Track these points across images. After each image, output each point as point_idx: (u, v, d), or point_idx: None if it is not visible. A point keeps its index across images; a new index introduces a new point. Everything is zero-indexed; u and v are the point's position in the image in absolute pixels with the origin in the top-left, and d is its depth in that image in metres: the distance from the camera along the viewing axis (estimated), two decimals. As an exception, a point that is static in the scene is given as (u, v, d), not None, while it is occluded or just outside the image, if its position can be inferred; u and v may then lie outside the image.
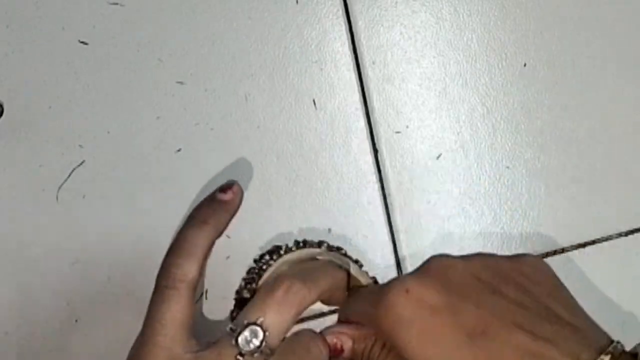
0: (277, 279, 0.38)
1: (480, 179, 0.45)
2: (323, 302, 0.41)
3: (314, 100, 0.45)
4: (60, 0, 0.44)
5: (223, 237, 0.42)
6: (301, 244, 0.43)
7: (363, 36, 0.45)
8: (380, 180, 0.45)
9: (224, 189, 0.41)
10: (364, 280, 0.42)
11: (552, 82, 0.45)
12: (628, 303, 0.45)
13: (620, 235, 0.45)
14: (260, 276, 0.41)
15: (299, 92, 0.45)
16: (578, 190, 0.45)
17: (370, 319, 0.36)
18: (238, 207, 0.41)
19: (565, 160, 0.45)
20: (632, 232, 0.45)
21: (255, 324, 0.36)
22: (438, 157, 0.45)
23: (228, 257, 0.44)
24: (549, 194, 0.45)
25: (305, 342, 0.38)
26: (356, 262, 0.44)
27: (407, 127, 0.45)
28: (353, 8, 0.45)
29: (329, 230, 0.45)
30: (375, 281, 0.44)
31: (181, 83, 0.45)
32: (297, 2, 0.45)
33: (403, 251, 0.45)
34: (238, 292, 0.42)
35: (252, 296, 0.40)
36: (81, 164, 0.45)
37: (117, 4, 0.45)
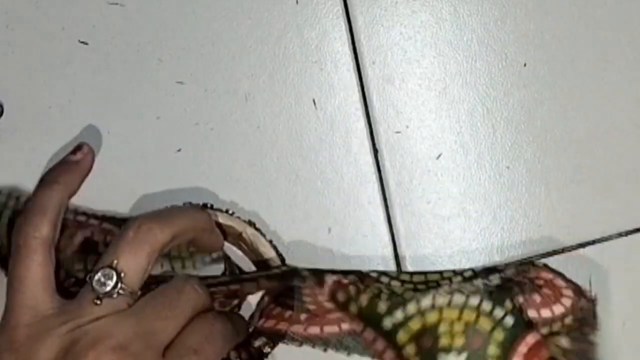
0: (127, 221, 0.38)
1: (480, 179, 0.45)
2: (194, 246, 0.41)
3: (314, 100, 0.45)
4: (60, 0, 0.44)
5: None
6: None
7: (363, 36, 0.45)
8: (380, 180, 0.45)
9: (74, 150, 0.42)
10: (237, 226, 0.43)
11: (552, 82, 0.45)
12: (628, 303, 0.45)
13: (620, 235, 0.45)
14: None
15: (299, 92, 0.45)
16: (578, 190, 0.45)
17: None
18: (89, 167, 0.42)
19: (565, 160, 0.45)
20: (632, 232, 0.45)
21: (109, 267, 0.36)
22: (438, 157, 0.45)
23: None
24: (549, 194, 0.45)
25: (178, 284, 0.38)
26: (226, 211, 0.44)
27: (407, 127, 0.45)
28: (353, 8, 0.45)
29: (329, 230, 0.45)
30: (251, 223, 0.44)
31: (181, 83, 0.45)
32: (297, 2, 0.45)
33: (403, 251, 0.45)
34: None
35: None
36: (81, 164, 0.45)
37: (117, 4, 0.45)
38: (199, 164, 0.45)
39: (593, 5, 0.45)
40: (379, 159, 0.45)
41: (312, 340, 0.40)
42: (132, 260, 0.37)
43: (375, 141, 0.45)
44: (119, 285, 0.36)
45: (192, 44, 0.45)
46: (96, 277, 0.36)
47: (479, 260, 0.45)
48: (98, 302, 0.36)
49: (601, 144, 0.45)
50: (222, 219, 0.43)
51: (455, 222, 0.45)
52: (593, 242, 0.45)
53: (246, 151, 0.45)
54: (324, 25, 0.45)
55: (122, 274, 0.36)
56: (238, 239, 0.43)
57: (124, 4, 0.45)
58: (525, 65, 0.45)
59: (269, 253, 0.43)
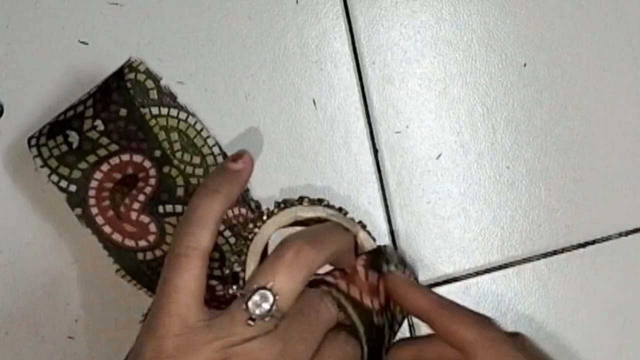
0: (284, 242, 0.38)
1: (480, 179, 0.45)
2: (331, 264, 0.41)
3: (314, 100, 0.45)
4: (60, 0, 0.44)
5: (223, 237, 0.42)
6: (282, 205, 0.43)
7: (363, 36, 0.45)
8: (380, 180, 0.45)
9: (235, 158, 0.40)
10: (352, 228, 0.42)
11: (552, 82, 0.45)
12: (628, 303, 0.45)
13: (620, 235, 0.45)
14: (248, 247, 0.41)
15: (299, 92, 0.45)
16: (578, 190, 0.45)
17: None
18: (249, 176, 0.41)
19: (565, 160, 0.45)
20: (632, 232, 0.45)
21: (265, 288, 0.36)
22: (438, 157, 0.45)
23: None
24: (549, 194, 0.45)
25: (314, 302, 0.38)
26: (339, 210, 0.44)
27: (407, 127, 0.45)
28: (353, 8, 0.45)
29: (329, 230, 0.45)
30: (362, 225, 0.44)
31: (181, 83, 0.45)
32: (297, 2, 0.45)
33: (403, 251, 0.45)
34: (229, 267, 0.42)
35: (243, 269, 0.40)
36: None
37: (117, 4, 0.45)
38: (199, 164, 0.45)
39: (593, 5, 0.45)
40: (379, 159, 0.45)
41: None
42: (289, 284, 0.36)
43: (375, 141, 0.45)
44: (274, 308, 0.35)
45: (192, 44, 0.45)
46: (253, 299, 0.35)
47: (478, 261, 0.45)
48: (251, 323, 0.35)
49: (601, 144, 0.45)
50: (361, 236, 0.43)
51: (455, 222, 0.45)
52: (593, 242, 0.45)
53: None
54: (324, 25, 0.45)
55: (277, 296, 0.36)
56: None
57: (124, 4, 0.45)
58: (525, 65, 0.45)
59: (370, 247, 0.43)
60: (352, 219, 0.44)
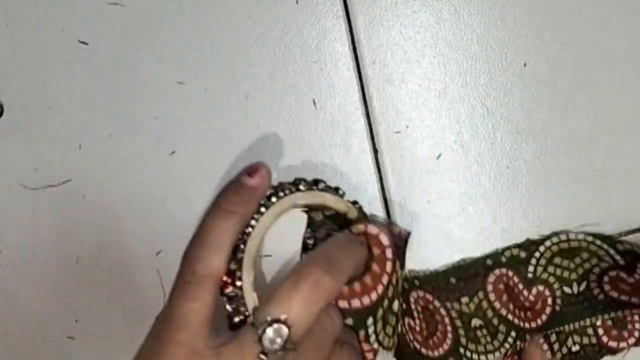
0: (302, 268, 0.35)
1: (480, 179, 0.45)
2: None
3: (314, 100, 0.45)
4: (60, 0, 0.44)
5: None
6: (279, 192, 0.41)
7: (363, 36, 0.45)
8: (380, 180, 0.45)
9: (250, 172, 0.38)
10: (351, 212, 0.42)
11: (552, 82, 0.45)
12: (628, 303, 0.45)
13: (620, 235, 0.45)
14: (245, 242, 0.38)
15: (299, 92, 0.45)
16: (578, 190, 0.45)
17: None
18: (266, 190, 0.38)
19: (565, 160, 0.45)
20: (632, 232, 0.45)
21: (279, 320, 0.34)
22: (438, 157, 0.45)
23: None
24: (549, 194, 0.45)
25: (322, 321, 0.36)
26: (336, 190, 0.43)
27: (407, 127, 0.45)
28: (353, 8, 0.45)
29: (329, 230, 0.45)
30: (362, 212, 0.43)
31: (181, 83, 0.45)
32: (297, 2, 0.45)
33: (403, 251, 0.45)
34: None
35: (239, 267, 0.37)
36: (81, 163, 0.45)
37: (117, 4, 0.45)
38: (199, 164, 0.45)
39: (593, 5, 0.45)
40: (379, 159, 0.45)
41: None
42: (305, 316, 0.34)
43: (375, 141, 0.45)
44: (288, 342, 0.34)
45: (192, 44, 0.45)
46: (267, 334, 0.34)
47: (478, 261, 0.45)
48: (263, 357, 0.34)
49: (601, 144, 0.45)
50: (334, 203, 0.41)
51: (455, 222, 0.45)
52: (593, 242, 0.45)
53: (246, 151, 0.45)
54: (324, 25, 0.45)
55: (292, 328, 0.34)
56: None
57: (124, 4, 0.45)
58: (525, 65, 0.45)
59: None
60: (349, 201, 0.43)
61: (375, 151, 0.45)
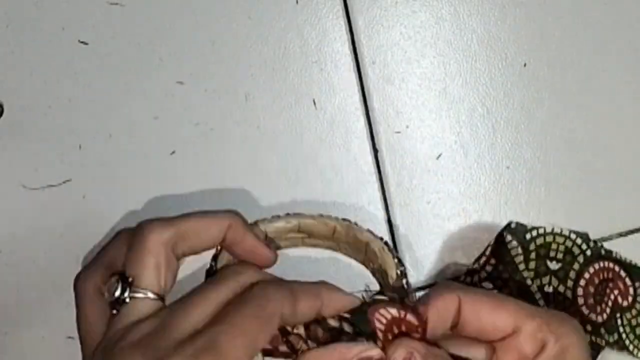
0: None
1: (480, 179, 0.45)
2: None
3: (314, 100, 0.45)
4: (60, 0, 0.44)
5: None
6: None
7: (363, 36, 0.45)
8: (380, 180, 0.45)
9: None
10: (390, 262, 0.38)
11: (552, 82, 0.45)
12: (628, 303, 0.45)
13: (620, 235, 0.45)
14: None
15: (299, 92, 0.45)
16: (578, 190, 0.45)
17: None
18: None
19: (565, 160, 0.45)
20: (632, 232, 0.45)
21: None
22: (438, 157, 0.45)
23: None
24: (549, 194, 0.45)
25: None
26: (381, 239, 0.38)
27: (407, 127, 0.45)
28: (353, 8, 0.45)
29: (329, 230, 0.45)
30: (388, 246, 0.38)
31: (181, 83, 0.45)
32: (297, 2, 0.45)
33: (403, 251, 0.45)
34: (207, 271, 0.37)
35: (214, 267, 0.36)
36: (81, 163, 0.45)
37: (117, 4, 0.45)
38: (198, 164, 0.45)
39: (593, 5, 0.45)
40: (379, 159, 0.45)
41: None
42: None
43: (375, 141, 0.45)
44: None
45: (192, 44, 0.45)
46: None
47: (479, 260, 0.45)
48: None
49: (601, 144, 0.45)
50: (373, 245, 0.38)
51: (455, 222, 0.45)
52: (593, 242, 0.45)
53: (246, 151, 0.45)
54: (324, 25, 0.45)
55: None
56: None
57: (124, 4, 0.45)
58: (525, 65, 0.45)
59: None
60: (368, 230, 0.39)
61: (375, 151, 0.45)
